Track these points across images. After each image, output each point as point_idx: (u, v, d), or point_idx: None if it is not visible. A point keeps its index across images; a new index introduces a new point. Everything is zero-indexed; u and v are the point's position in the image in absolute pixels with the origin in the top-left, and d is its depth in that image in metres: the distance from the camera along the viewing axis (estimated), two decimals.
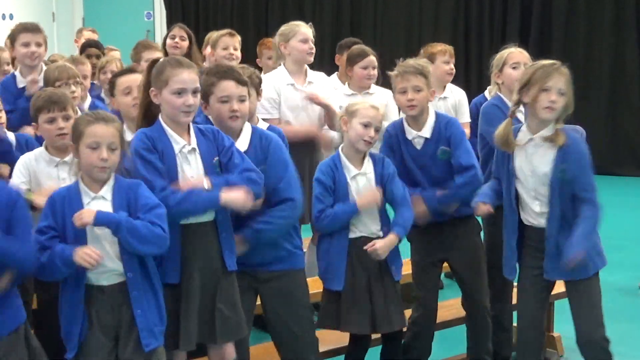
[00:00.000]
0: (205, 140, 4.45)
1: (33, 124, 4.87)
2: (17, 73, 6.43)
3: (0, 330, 4.00)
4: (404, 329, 5.26)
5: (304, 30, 6.54)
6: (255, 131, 4.78)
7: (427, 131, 5.26)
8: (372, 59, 6.94)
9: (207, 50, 7.75)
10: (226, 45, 7.40)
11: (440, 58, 7.10)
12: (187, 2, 15.55)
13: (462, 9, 13.48)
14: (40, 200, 4.40)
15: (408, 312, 5.37)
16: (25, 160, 4.76)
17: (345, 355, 5.25)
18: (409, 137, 5.27)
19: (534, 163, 4.82)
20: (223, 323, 4.46)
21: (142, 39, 7.68)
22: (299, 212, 4.79)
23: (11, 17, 14.51)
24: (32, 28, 6.44)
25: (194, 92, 4.37)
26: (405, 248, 5.37)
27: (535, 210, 4.84)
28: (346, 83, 6.99)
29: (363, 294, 4.99)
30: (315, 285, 5.23)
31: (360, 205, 4.93)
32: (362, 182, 5.01)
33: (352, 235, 5.00)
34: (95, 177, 4.17)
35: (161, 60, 4.50)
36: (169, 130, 4.39)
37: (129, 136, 4.63)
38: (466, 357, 5.64)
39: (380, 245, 4.91)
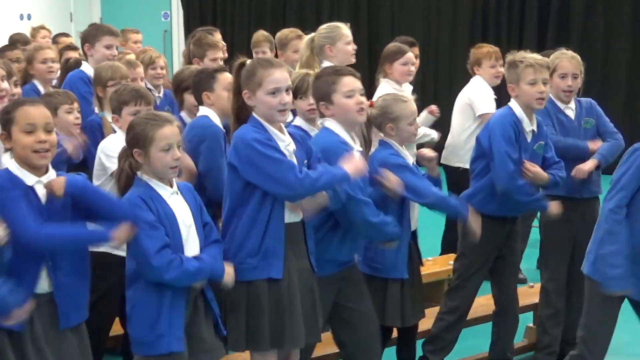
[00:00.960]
0: (296, 143, 4.49)
1: (114, 115, 4.97)
2: (85, 69, 6.63)
3: (74, 320, 4.08)
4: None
5: (347, 32, 6.66)
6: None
7: (535, 125, 5.41)
8: (411, 55, 7.04)
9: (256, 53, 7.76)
10: (297, 48, 7.38)
11: (487, 62, 7.30)
12: (204, 2, 15.55)
13: (479, 10, 13.44)
14: None
15: (430, 312, 5.40)
16: (118, 143, 4.72)
17: None
18: (527, 128, 5.35)
19: None
20: (314, 324, 4.53)
21: (201, 34, 7.54)
22: None
23: (29, 17, 14.55)
24: (116, 32, 6.86)
25: (287, 90, 4.41)
26: (424, 247, 5.39)
27: None
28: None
29: (397, 287, 5.07)
30: None
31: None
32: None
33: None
34: (169, 178, 4.21)
35: (250, 61, 4.55)
36: (271, 129, 4.40)
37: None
38: (488, 355, 5.63)
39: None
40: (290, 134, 4.51)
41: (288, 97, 4.41)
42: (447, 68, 13.45)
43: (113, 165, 4.63)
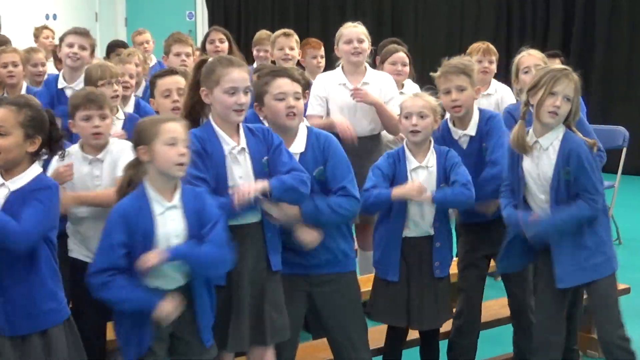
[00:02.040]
0: (254, 140, 4.43)
1: (70, 121, 4.82)
2: (60, 74, 6.52)
3: (51, 320, 4.06)
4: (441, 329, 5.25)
5: (347, 31, 6.55)
6: (311, 131, 4.74)
7: (472, 129, 5.23)
8: (401, 55, 6.99)
9: (257, 51, 7.77)
10: (281, 45, 7.40)
11: (474, 56, 7.10)
12: (229, 2, 15.59)
13: (504, 10, 13.40)
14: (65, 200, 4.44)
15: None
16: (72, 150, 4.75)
17: (383, 352, 5.26)
18: (455, 137, 5.23)
19: (539, 167, 4.77)
20: (271, 324, 4.46)
21: (176, 32, 7.61)
22: (356, 211, 4.73)
23: (55, 17, 14.63)
24: (80, 32, 6.52)
25: (245, 90, 4.36)
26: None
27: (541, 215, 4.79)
28: None
29: (401, 288, 5.00)
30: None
31: (395, 194, 4.88)
32: (422, 175, 4.97)
33: (405, 234, 5.00)
34: (174, 176, 4.12)
35: (211, 59, 4.48)
36: (219, 131, 4.37)
37: None
38: (512, 356, 5.63)
39: (411, 187, 4.87)
40: (251, 130, 4.45)
41: (245, 98, 4.35)
42: None
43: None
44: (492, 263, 5.55)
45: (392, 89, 6.60)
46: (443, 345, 5.39)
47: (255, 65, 7.26)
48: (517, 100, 5.88)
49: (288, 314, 4.58)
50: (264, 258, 4.46)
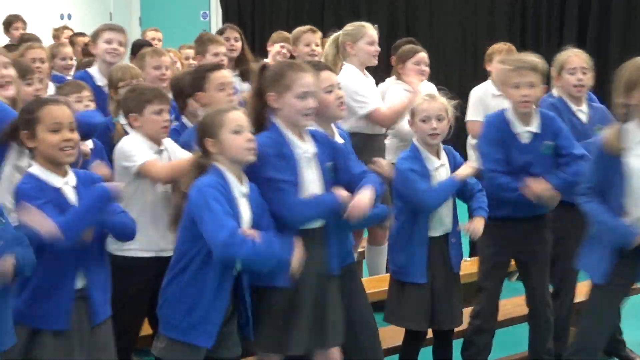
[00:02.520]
0: (318, 144, 4.47)
1: (132, 115, 4.88)
2: (92, 71, 6.55)
3: (103, 315, 4.17)
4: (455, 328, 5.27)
5: (371, 32, 6.60)
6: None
7: (535, 126, 5.24)
8: (423, 55, 7.02)
9: (274, 47, 7.76)
10: (308, 41, 7.40)
11: (497, 57, 7.17)
12: (243, 2, 15.59)
13: (518, 9, 13.35)
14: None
15: (466, 311, 5.39)
16: (138, 141, 4.81)
17: (400, 353, 5.26)
18: (515, 130, 5.24)
19: None
20: (333, 328, 4.50)
21: (204, 32, 7.63)
22: None
23: (69, 17, 14.65)
24: (117, 28, 6.70)
25: (314, 94, 4.41)
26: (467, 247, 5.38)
27: None
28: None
29: (426, 290, 5.03)
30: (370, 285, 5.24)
31: (460, 177, 4.98)
32: (443, 173, 5.04)
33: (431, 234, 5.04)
34: (246, 160, 4.22)
35: (277, 63, 4.58)
36: (290, 135, 4.39)
37: None
38: (527, 356, 5.62)
39: (478, 226, 4.95)
40: (312, 135, 4.49)
41: (313, 102, 4.40)
42: (485, 71, 13.33)
43: (133, 164, 4.68)
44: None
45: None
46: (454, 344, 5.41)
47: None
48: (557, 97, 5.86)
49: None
50: (327, 262, 4.49)
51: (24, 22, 10.16)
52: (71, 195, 4.07)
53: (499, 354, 5.71)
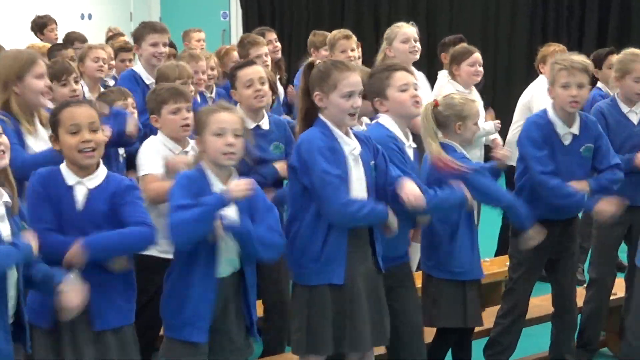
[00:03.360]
0: (362, 144, 4.47)
1: (152, 116, 4.94)
2: (138, 69, 6.57)
3: (125, 319, 4.18)
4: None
5: (405, 30, 6.65)
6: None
7: (576, 128, 5.25)
8: (478, 56, 7.07)
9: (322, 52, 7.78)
10: (344, 48, 7.39)
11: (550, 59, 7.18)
12: (263, 2, 15.59)
13: (539, 7, 13.29)
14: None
15: (490, 311, 5.37)
16: (154, 147, 4.88)
17: (429, 350, 5.23)
18: (560, 132, 5.24)
19: None
20: (386, 325, 4.51)
21: (245, 34, 7.66)
22: None
23: (90, 17, 14.71)
24: (160, 29, 6.67)
25: (360, 94, 4.41)
26: (487, 248, 5.36)
27: None
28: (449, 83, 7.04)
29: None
30: None
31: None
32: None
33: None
34: (223, 164, 4.21)
35: (324, 62, 4.54)
36: (338, 132, 4.40)
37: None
38: (548, 355, 5.59)
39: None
40: (355, 135, 4.50)
41: (360, 101, 4.41)
42: (506, 66, 13.33)
43: (138, 174, 4.76)
44: None
45: (425, 89, 6.66)
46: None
47: None
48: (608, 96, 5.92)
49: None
50: (373, 259, 4.48)
51: (56, 23, 10.21)
52: (80, 197, 4.07)
53: (518, 355, 5.68)
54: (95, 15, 14.72)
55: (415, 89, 4.75)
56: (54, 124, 4.14)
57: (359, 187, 4.37)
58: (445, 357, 5.27)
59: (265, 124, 5.38)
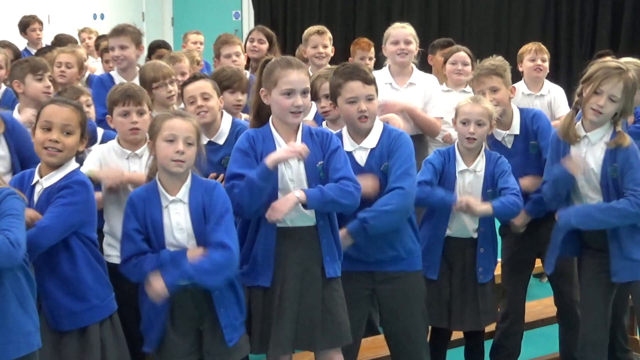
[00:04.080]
0: (312, 143, 4.41)
1: (107, 116, 4.89)
2: (114, 74, 6.58)
3: (90, 318, 4.15)
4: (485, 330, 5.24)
5: (395, 32, 6.57)
6: (385, 128, 4.75)
7: (515, 128, 5.23)
8: (462, 55, 7.01)
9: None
10: (315, 43, 7.38)
11: (526, 56, 7.14)
12: (275, 2, 15.59)
13: (551, 9, 13.26)
14: (102, 174, 4.58)
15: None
16: (97, 151, 4.81)
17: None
18: (498, 137, 5.23)
19: (587, 162, 4.72)
20: (323, 330, 4.43)
21: (223, 33, 7.66)
22: (409, 201, 4.63)
23: (102, 16, 14.72)
24: (114, 31, 6.63)
25: (304, 92, 4.36)
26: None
27: None
28: (443, 83, 7.03)
29: (443, 288, 5.01)
30: None
31: (457, 208, 4.87)
32: (468, 178, 4.98)
33: (447, 233, 4.99)
34: (171, 171, 4.18)
35: (272, 60, 4.48)
36: (275, 132, 4.39)
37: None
38: (558, 356, 5.58)
39: (472, 202, 4.85)
40: (310, 133, 4.45)
41: (302, 100, 4.34)
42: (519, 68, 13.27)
43: (87, 167, 4.64)
44: (538, 263, 5.52)
45: (435, 91, 6.58)
46: (487, 345, 5.39)
47: (310, 66, 7.22)
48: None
49: (353, 313, 4.58)
50: (319, 264, 4.42)
51: (40, 23, 10.21)
52: (35, 197, 4.11)
53: (530, 355, 5.69)
54: (107, 15, 14.74)
55: (370, 99, 4.62)
56: (36, 118, 4.22)
57: (292, 187, 4.34)
58: (445, 357, 5.28)
59: (220, 139, 5.18)
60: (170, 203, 4.18)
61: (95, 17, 14.62)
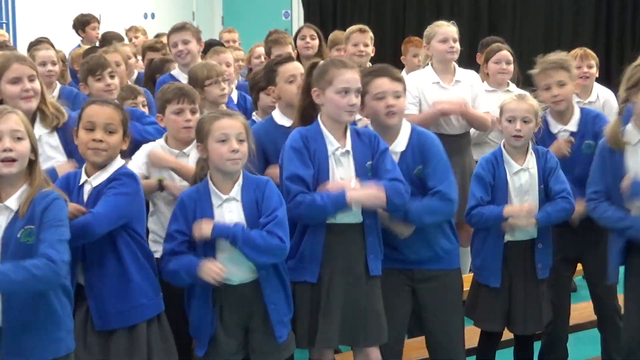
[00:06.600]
0: (360, 143, 4.48)
1: (158, 115, 4.91)
2: (175, 72, 6.59)
3: (138, 316, 4.16)
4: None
5: (443, 30, 6.54)
6: (413, 130, 4.75)
7: (573, 125, 5.21)
8: (505, 53, 6.99)
9: (333, 52, 7.76)
10: (356, 41, 7.39)
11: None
12: (324, 1, 15.60)
13: (603, 10, 13.13)
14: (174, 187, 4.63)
15: None
16: (145, 150, 4.83)
17: (476, 353, 5.24)
18: (554, 130, 5.22)
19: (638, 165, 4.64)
20: (366, 327, 4.48)
21: (273, 31, 7.69)
22: (452, 213, 4.72)
23: (153, 16, 14.83)
24: (175, 28, 6.69)
25: (357, 91, 4.43)
26: None
27: None
28: (484, 82, 7.01)
29: (502, 293, 4.97)
30: None
31: (507, 212, 4.84)
32: (524, 177, 4.95)
33: (508, 238, 4.96)
34: (227, 170, 4.23)
35: (324, 61, 4.57)
36: (325, 131, 4.44)
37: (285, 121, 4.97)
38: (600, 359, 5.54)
39: (517, 224, 4.85)
40: (358, 133, 4.50)
41: (356, 99, 4.42)
42: None
43: (135, 169, 4.61)
44: (579, 267, 5.48)
45: (480, 86, 6.59)
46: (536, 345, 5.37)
47: None
48: None
49: (395, 311, 4.63)
50: (362, 261, 4.47)
51: (99, 22, 10.27)
52: (85, 196, 4.12)
53: (574, 357, 5.64)
54: (158, 14, 14.84)
55: (397, 96, 4.64)
56: (77, 119, 4.23)
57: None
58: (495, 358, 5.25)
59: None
60: (224, 202, 4.23)
61: (145, 16, 14.73)
